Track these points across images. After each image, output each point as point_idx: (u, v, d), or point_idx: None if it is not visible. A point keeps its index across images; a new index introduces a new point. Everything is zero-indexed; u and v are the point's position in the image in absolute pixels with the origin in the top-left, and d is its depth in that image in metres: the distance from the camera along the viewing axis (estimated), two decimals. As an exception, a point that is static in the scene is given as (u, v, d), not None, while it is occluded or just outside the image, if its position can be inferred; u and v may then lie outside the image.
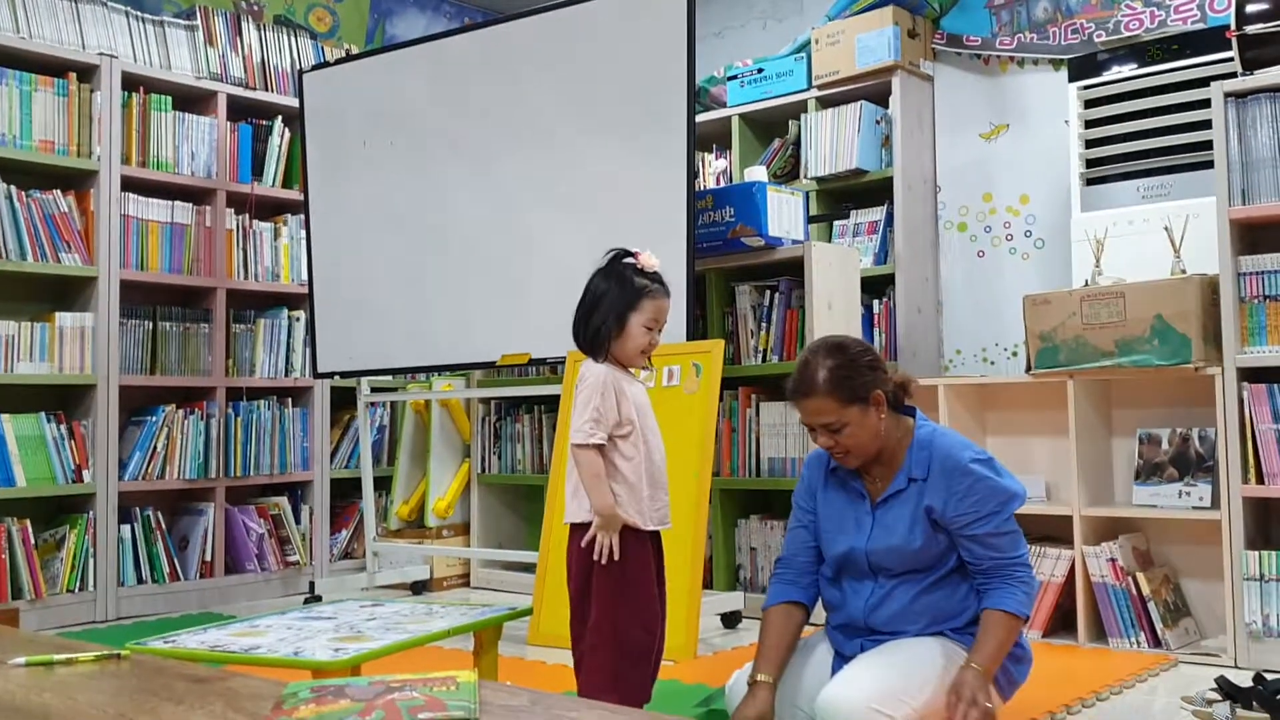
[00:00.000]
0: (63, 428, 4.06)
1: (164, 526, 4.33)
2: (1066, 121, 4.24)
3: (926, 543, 2.23)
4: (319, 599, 4.26)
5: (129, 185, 4.29)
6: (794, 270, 3.90)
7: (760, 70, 4.91)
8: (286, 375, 4.77)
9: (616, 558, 2.31)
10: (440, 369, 4.47)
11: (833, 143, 4.62)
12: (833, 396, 2.22)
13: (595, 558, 2.31)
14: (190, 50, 4.60)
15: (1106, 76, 4.13)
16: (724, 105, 5.04)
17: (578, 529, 2.38)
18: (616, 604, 2.32)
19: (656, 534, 2.43)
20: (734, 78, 4.99)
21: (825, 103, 4.72)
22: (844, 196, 4.78)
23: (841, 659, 2.31)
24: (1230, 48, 3.29)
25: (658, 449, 2.43)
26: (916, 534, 2.23)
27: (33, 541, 3.93)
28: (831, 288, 3.85)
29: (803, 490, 2.44)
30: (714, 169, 5.13)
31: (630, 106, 3.71)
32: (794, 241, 3.88)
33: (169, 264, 4.42)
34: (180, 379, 4.42)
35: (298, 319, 4.79)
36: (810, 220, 4.29)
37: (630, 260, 2.41)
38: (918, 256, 4.58)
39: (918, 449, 2.27)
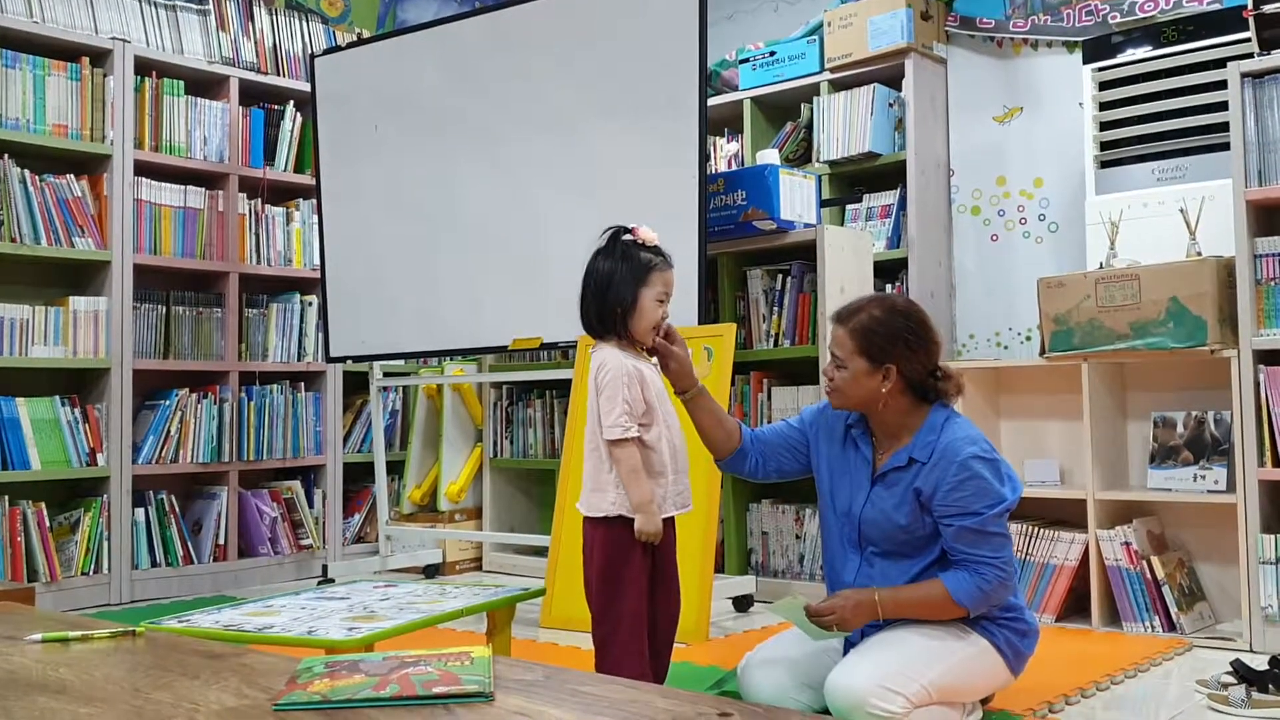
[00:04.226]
0: (77, 411, 4.08)
1: (178, 510, 4.34)
2: (1081, 104, 4.21)
3: (911, 522, 2.24)
4: (332, 582, 4.28)
5: (142, 170, 4.30)
6: (806, 254, 3.89)
7: (772, 53, 4.89)
8: (299, 359, 4.77)
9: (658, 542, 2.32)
10: (452, 353, 4.47)
11: (845, 126, 4.60)
12: (852, 338, 2.27)
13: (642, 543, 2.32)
14: (202, 35, 4.60)
15: (1121, 58, 4.10)
16: (736, 89, 5.02)
17: (594, 521, 2.35)
18: (636, 596, 2.31)
19: (671, 516, 2.42)
20: (746, 61, 4.97)
21: (837, 86, 4.70)
22: (856, 180, 4.76)
23: (848, 643, 2.31)
24: (1247, 27, 3.26)
25: (678, 431, 2.40)
26: (903, 512, 2.24)
27: (48, 524, 3.95)
28: (844, 272, 3.84)
29: (808, 416, 2.47)
30: (726, 153, 5.11)
31: (642, 90, 3.70)
32: (806, 225, 3.87)
33: (182, 248, 4.42)
34: (193, 363, 4.44)
35: (310, 303, 4.79)
36: (823, 204, 4.27)
37: (629, 236, 2.38)
38: (931, 240, 4.56)
39: (927, 432, 2.26)
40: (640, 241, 2.37)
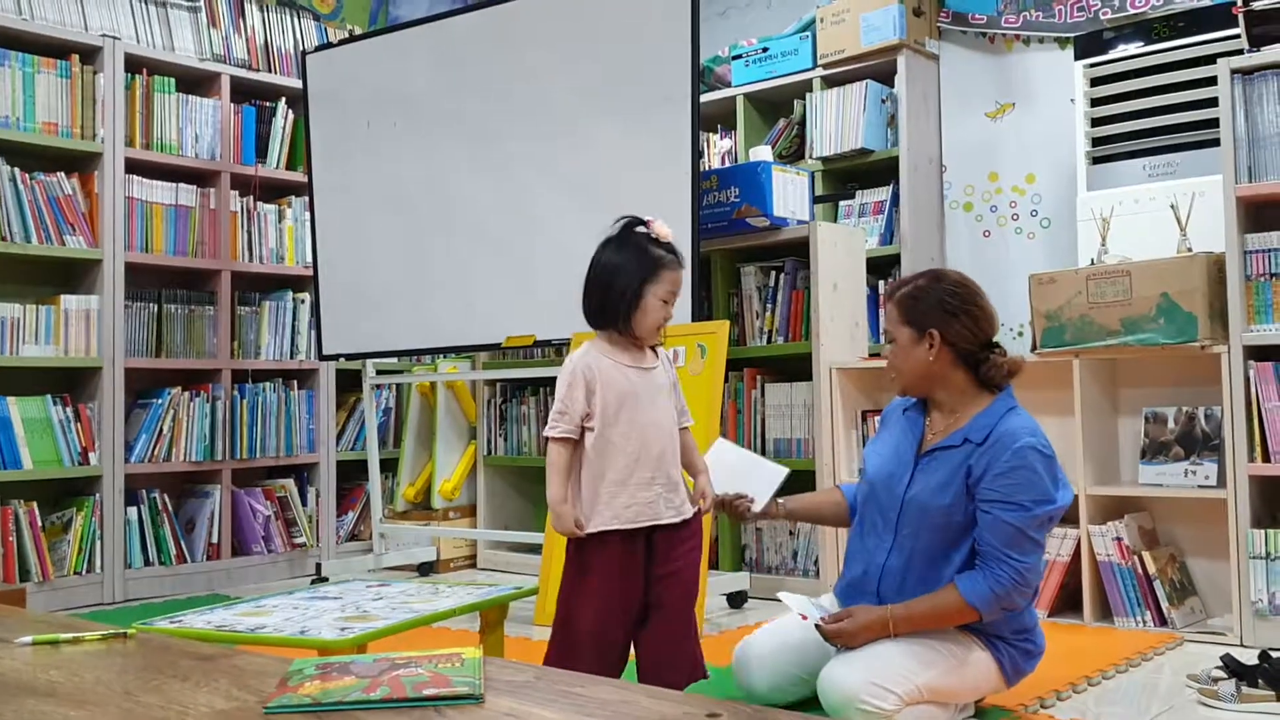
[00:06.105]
0: (69, 410, 4.07)
1: (170, 509, 4.34)
2: (1072, 100, 4.22)
3: (954, 504, 2.18)
4: (325, 580, 4.28)
5: (133, 167, 4.29)
6: (799, 251, 3.89)
7: (765, 50, 4.89)
8: (292, 358, 4.77)
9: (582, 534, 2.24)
10: (445, 351, 4.47)
11: (838, 122, 4.60)
12: (898, 308, 2.29)
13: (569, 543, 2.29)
14: (193, 32, 4.58)
15: (1112, 54, 4.11)
16: (729, 85, 5.02)
17: None
18: (570, 596, 2.27)
19: (653, 530, 2.28)
20: (739, 57, 4.97)
21: (830, 82, 4.70)
22: (849, 176, 4.77)
23: None
24: (1237, 24, 3.27)
25: (643, 443, 2.25)
26: (948, 492, 2.19)
27: (40, 524, 3.94)
28: (837, 268, 3.84)
29: (882, 420, 2.52)
30: (719, 149, 5.11)
31: (634, 86, 3.70)
32: (799, 222, 3.87)
33: (173, 246, 4.41)
34: (186, 361, 4.43)
35: (303, 301, 4.79)
36: (815, 200, 4.27)
37: (643, 229, 2.29)
38: (923, 236, 4.57)
39: (986, 416, 2.23)
40: (654, 236, 2.29)
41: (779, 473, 2.53)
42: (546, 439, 2.28)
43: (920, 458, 2.28)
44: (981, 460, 2.17)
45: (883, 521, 2.30)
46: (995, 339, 2.31)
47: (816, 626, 2.22)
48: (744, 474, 2.52)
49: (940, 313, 2.24)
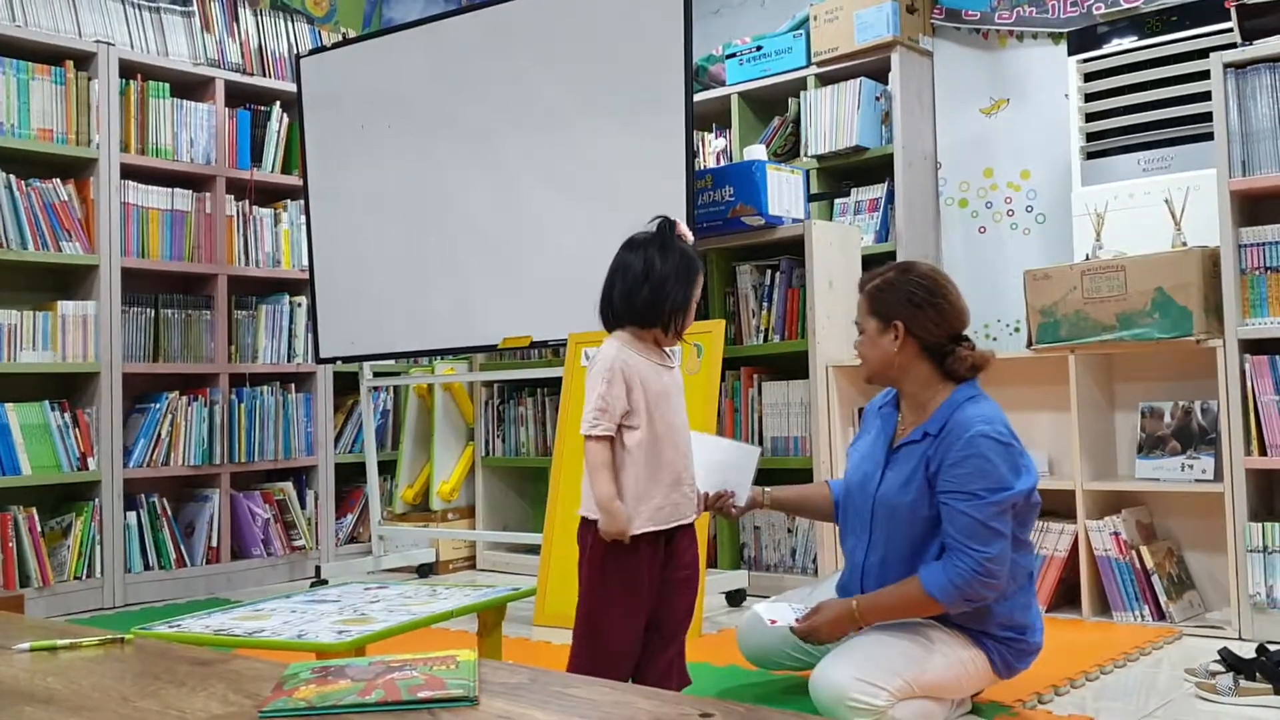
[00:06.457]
0: (67, 416, 4.07)
1: (170, 513, 4.34)
2: (1066, 95, 4.22)
3: (918, 500, 2.20)
4: (325, 583, 4.28)
5: (128, 173, 4.29)
6: (795, 249, 3.90)
7: (759, 48, 4.89)
8: (289, 361, 4.77)
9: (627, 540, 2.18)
10: (442, 353, 4.47)
11: (832, 120, 4.61)
12: (866, 299, 2.32)
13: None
14: (187, 36, 4.59)
15: (1106, 49, 4.11)
16: (723, 84, 5.02)
17: (585, 521, 2.25)
18: (598, 606, 2.22)
19: (674, 530, 2.25)
20: (732, 56, 4.97)
21: (824, 80, 4.70)
22: (844, 174, 4.77)
23: None
24: (1229, 18, 3.27)
25: (672, 443, 2.22)
26: (910, 488, 2.21)
27: (39, 529, 3.95)
28: (832, 266, 3.84)
29: (864, 420, 2.54)
30: (713, 148, 5.11)
31: (629, 86, 3.70)
32: (794, 220, 3.87)
33: (170, 251, 4.42)
34: (183, 366, 4.43)
35: (299, 304, 4.79)
36: (810, 199, 4.27)
37: (678, 233, 2.28)
38: (919, 233, 4.57)
39: (946, 407, 2.23)
40: (683, 238, 2.28)
41: (752, 454, 2.52)
42: (585, 437, 2.19)
43: (890, 455, 2.30)
44: (938, 452, 2.18)
45: (859, 522, 2.33)
46: (964, 332, 2.31)
47: (791, 629, 2.24)
48: (719, 463, 2.46)
49: (906, 305, 2.25)
